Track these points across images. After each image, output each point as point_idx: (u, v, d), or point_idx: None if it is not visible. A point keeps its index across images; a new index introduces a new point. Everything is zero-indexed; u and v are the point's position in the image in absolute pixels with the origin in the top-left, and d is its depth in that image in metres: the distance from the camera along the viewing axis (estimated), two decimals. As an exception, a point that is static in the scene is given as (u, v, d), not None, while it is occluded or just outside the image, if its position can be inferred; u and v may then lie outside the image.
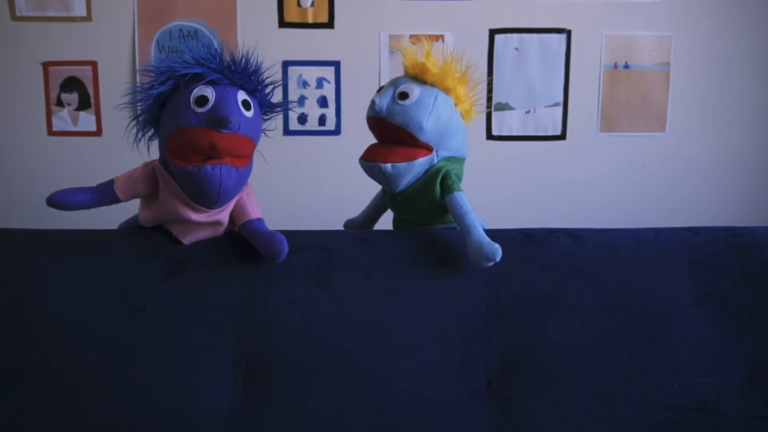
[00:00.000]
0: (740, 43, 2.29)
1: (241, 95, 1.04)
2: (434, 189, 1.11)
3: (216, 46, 1.11)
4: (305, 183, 2.32)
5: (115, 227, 1.20)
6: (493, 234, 1.13)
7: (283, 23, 2.27)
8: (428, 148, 1.11)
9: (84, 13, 2.24)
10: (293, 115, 2.29)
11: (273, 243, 1.06)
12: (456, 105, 1.14)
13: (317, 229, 1.16)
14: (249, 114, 1.04)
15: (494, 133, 2.35)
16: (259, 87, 1.10)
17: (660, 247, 1.10)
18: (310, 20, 2.26)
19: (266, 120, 1.16)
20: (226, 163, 1.01)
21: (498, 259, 1.04)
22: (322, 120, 2.30)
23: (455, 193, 1.09)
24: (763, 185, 2.37)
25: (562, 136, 2.36)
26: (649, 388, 1.03)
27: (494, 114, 2.33)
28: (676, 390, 1.02)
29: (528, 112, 2.34)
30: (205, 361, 1.04)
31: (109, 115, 2.29)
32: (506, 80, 2.32)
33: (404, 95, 1.10)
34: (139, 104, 1.09)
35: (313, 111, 2.29)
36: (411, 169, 1.10)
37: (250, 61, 1.08)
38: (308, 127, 2.30)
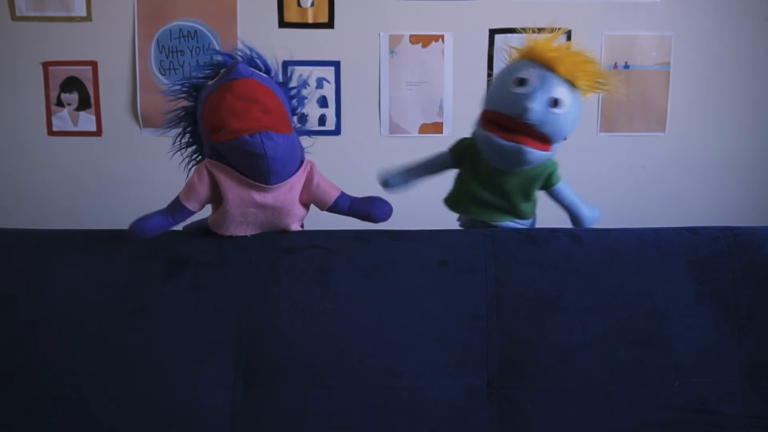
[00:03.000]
0: (740, 43, 2.29)
1: (246, 65, 1.04)
2: (538, 182, 1.15)
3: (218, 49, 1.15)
4: (305, 183, 2.32)
5: (116, 227, 1.20)
6: (493, 234, 1.13)
7: (283, 23, 2.27)
8: (552, 146, 1.11)
9: (84, 13, 2.24)
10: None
11: (381, 205, 1.16)
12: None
13: (317, 229, 1.16)
14: (261, 73, 1.06)
15: (494, 133, 2.34)
16: (268, 70, 1.10)
17: (660, 247, 1.10)
18: (310, 20, 2.26)
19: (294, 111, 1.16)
20: (265, 130, 0.99)
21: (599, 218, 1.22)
22: (322, 120, 2.30)
23: (560, 182, 1.17)
24: (763, 185, 2.37)
25: (562, 136, 2.36)
26: (648, 388, 1.03)
27: (494, 114, 2.33)
28: (676, 390, 1.02)
29: (528, 112, 2.34)
30: (205, 361, 1.04)
31: (109, 115, 2.29)
32: (506, 80, 2.32)
33: (557, 102, 1.04)
34: (179, 119, 1.13)
35: (313, 111, 2.29)
36: (541, 160, 1.10)
37: (254, 52, 1.10)
38: (308, 127, 2.30)
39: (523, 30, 1.10)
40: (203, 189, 1.08)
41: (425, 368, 1.03)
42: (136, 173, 2.24)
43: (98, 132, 2.30)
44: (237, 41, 2.27)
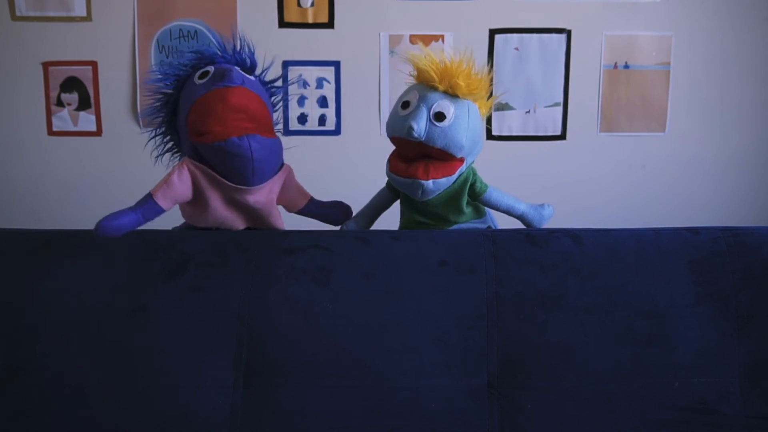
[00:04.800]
0: (740, 43, 2.29)
1: (238, 69, 1.06)
2: (463, 197, 1.14)
3: (210, 43, 1.14)
4: (305, 183, 2.30)
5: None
6: (493, 234, 1.13)
7: (283, 23, 2.27)
8: (462, 161, 1.12)
9: (84, 13, 2.24)
10: (293, 115, 2.29)
11: (342, 208, 1.23)
12: (479, 109, 1.14)
13: (317, 229, 1.16)
14: (250, 77, 1.08)
15: (494, 133, 2.35)
16: (255, 67, 1.12)
17: (660, 247, 1.10)
18: (310, 20, 2.27)
19: (274, 109, 1.17)
20: (253, 133, 1.01)
21: (553, 214, 1.21)
22: (322, 120, 2.30)
23: (488, 189, 1.16)
24: (763, 185, 2.38)
25: (562, 136, 2.36)
26: (648, 388, 1.03)
27: (494, 114, 2.34)
28: (676, 390, 1.02)
29: (528, 112, 2.35)
30: (205, 361, 1.04)
31: (109, 115, 2.29)
32: (506, 80, 2.32)
33: (441, 116, 1.07)
34: (158, 107, 1.11)
35: (313, 111, 2.29)
36: (449, 183, 1.12)
37: (244, 48, 1.12)
38: (308, 127, 2.30)
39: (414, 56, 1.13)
40: (183, 189, 1.06)
41: (425, 368, 1.03)
42: (136, 173, 2.24)
43: (98, 132, 2.30)
44: (236, 38, 2.27)
